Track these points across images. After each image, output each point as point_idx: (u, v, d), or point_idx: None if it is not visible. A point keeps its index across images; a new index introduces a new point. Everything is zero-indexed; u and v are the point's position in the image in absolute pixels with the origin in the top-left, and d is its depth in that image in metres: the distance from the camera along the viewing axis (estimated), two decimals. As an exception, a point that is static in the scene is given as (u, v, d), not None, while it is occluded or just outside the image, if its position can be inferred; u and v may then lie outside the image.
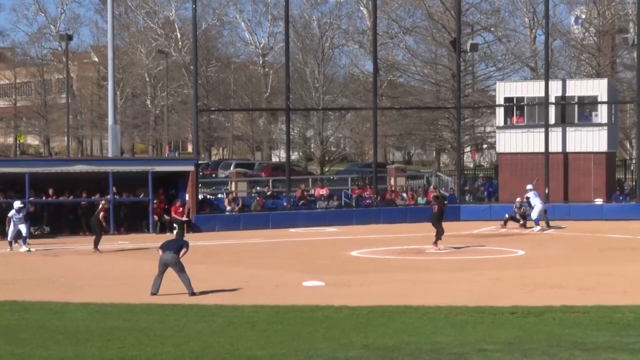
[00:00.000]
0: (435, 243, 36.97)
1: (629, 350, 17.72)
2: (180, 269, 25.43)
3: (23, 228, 37.55)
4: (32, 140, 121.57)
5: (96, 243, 37.63)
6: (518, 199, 46.04)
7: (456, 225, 46.03)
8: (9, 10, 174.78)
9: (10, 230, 37.86)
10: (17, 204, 37.98)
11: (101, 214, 38.81)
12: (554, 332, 20.30)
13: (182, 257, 25.61)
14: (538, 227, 43.94)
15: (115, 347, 19.25)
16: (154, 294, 25.46)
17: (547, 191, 50.49)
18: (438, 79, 73.65)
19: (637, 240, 40.68)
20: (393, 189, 55.92)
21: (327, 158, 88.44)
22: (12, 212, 37.71)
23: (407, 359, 17.73)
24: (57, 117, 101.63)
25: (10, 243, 37.75)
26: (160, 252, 25.80)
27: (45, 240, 41.50)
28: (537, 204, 44.54)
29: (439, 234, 36.88)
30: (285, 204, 50.87)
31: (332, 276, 29.24)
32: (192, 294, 25.33)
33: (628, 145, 77.69)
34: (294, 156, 79.81)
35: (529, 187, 46.07)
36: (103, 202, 40.76)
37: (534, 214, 44.29)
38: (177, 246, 25.65)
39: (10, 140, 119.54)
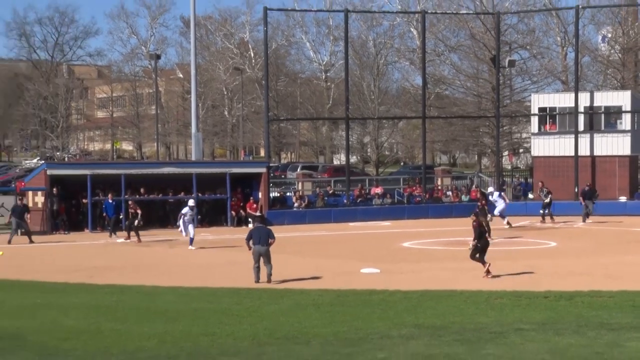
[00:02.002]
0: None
1: (649, 330, 17.64)
2: (268, 260, 25.44)
3: (191, 228, 35.70)
4: (127, 146, 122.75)
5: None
6: (538, 192, 46.34)
7: (495, 220, 45.81)
8: (106, 34, 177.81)
9: (183, 228, 35.80)
10: (191, 202, 36.64)
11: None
12: (582, 313, 20.18)
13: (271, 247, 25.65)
14: (505, 221, 42.78)
15: (200, 325, 19.44)
16: (257, 281, 25.41)
17: (576, 190, 50.22)
18: (479, 91, 73.50)
19: (657, 233, 40.32)
20: (440, 188, 55.88)
21: (381, 161, 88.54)
22: (185, 210, 35.91)
23: (453, 337, 17.72)
24: (148, 126, 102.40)
25: (191, 240, 35.70)
26: (250, 244, 25.62)
27: (139, 232, 41.93)
28: (500, 203, 43.43)
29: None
30: (345, 201, 50.99)
31: (387, 264, 29.29)
32: (268, 281, 25.34)
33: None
34: (353, 159, 79.82)
35: (490, 189, 46.46)
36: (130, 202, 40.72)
37: (496, 211, 43.14)
38: (266, 238, 25.55)
39: (108, 146, 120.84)
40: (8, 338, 18.30)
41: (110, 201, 41.83)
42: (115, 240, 38.74)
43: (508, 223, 41.67)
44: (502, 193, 44.15)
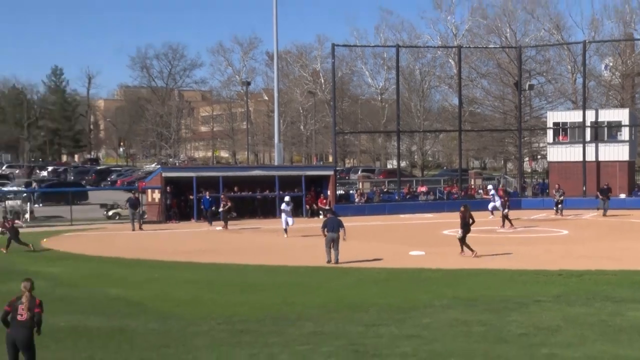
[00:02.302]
0: (503, 225, 36.75)
1: (645, 303, 17.36)
2: (337, 244, 25.19)
3: (290, 220, 34.30)
4: (224, 154, 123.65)
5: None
6: (554, 191, 45.70)
7: (518, 212, 45.36)
8: (208, 65, 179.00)
9: (283, 219, 34.43)
10: (287, 198, 35.37)
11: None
12: (590, 288, 19.90)
13: (343, 235, 25.39)
14: (492, 216, 41.58)
15: (281, 295, 19.53)
16: (328, 262, 25.08)
17: (584, 189, 49.64)
18: (505, 109, 72.98)
19: (651, 224, 39.59)
20: (472, 187, 55.54)
21: (425, 165, 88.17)
22: (283, 205, 34.70)
23: (484, 307, 17.59)
24: (240, 138, 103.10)
25: (285, 230, 34.20)
26: (325, 232, 25.35)
27: (233, 222, 42.20)
28: (496, 200, 42.54)
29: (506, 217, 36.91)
30: (396, 197, 50.77)
31: (430, 248, 29.13)
32: (336, 261, 25.04)
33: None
34: (403, 164, 79.37)
35: (490, 186, 46.11)
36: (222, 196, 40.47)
37: (490, 207, 42.29)
38: (337, 227, 25.28)
39: (209, 154, 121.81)
40: (133, 305, 18.59)
41: (207, 197, 42.08)
42: (215, 228, 39.03)
43: (492, 213, 41.16)
44: (497, 192, 43.61)
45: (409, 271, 23.46)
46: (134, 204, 39.56)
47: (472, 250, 26.45)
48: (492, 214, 41.35)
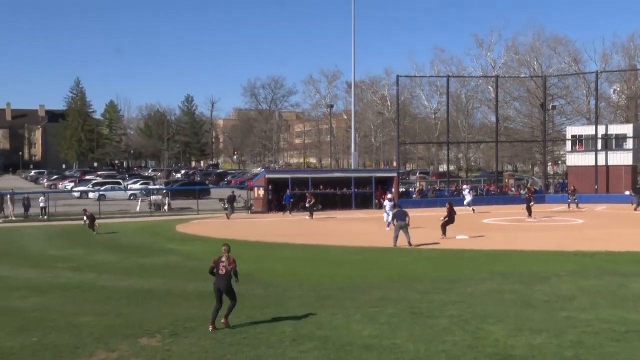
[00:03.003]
0: (530, 215, 35.92)
1: (646, 278, 16.74)
2: (406, 230, 24.53)
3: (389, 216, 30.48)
4: (312, 160, 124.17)
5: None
6: (569, 190, 44.43)
7: (544, 206, 44.31)
8: (301, 93, 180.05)
9: (385, 216, 31.87)
10: (390, 195, 33.21)
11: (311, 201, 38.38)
12: (602, 266, 19.31)
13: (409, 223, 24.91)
14: (471, 208, 40.48)
15: (356, 269, 19.53)
16: (395, 246, 24.32)
17: (596, 187, 48.22)
18: (532, 125, 71.35)
19: (651, 215, 38.09)
20: (507, 185, 54.33)
21: (469, 168, 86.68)
22: (385, 202, 32.46)
23: (515, 279, 17.26)
24: (325, 148, 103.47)
25: (389, 224, 30.23)
26: (395, 222, 24.85)
27: (319, 213, 42.37)
28: (468, 197, 41.51)
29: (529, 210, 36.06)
30: (446, 194, 49.96)
31: (473, 233, 28.66)
32: (410, 244, 24.28)
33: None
34: (451, 167, 78.32)
35: (465, 187, 44.98)
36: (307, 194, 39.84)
37: (465, 203, 41.03)
38: (404, 216, 24.70)
39: (301, 160, 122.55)
40: (243, 275, 18.73)
41: (289, 194, 41.87)
42: (291, 217, 39.03)
43: (473, 210, 40.07)
44: (471, 191, 42.50)
45: (455, 252, 23.16)
46: (232, 199, 40.16)
47: (445, 234, 26.58)
48: (472, 208, 40.24)
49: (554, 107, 64.01)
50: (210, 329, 12.35)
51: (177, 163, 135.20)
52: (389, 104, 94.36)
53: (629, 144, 49.27)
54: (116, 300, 15.56)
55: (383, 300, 14.84)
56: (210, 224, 36.93)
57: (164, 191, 50.84)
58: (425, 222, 34.93)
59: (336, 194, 45.93)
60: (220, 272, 12.42)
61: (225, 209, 45.81)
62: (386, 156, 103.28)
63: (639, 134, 51.07)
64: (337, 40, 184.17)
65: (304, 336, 11.82)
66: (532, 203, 36.42)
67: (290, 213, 40.51)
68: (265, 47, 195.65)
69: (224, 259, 12.46)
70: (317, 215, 39.39)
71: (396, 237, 24.72)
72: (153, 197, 47.62)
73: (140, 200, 48.95)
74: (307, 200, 39.29)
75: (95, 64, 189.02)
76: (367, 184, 45.95)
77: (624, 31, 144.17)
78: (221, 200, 47.52)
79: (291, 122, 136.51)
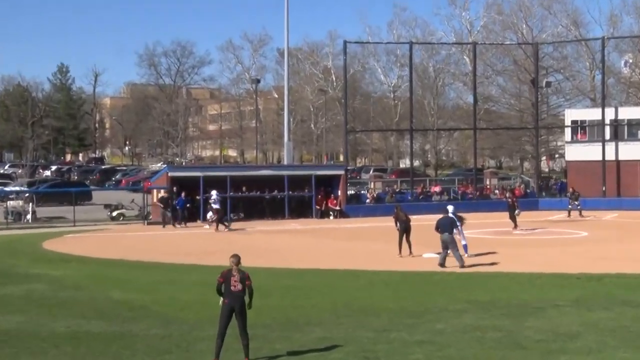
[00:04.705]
0: (515, 227, 36.33)
1: (668, 307, 17.07)
2: (453, 246, 24.22)
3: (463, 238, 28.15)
4: (232, 152, 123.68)
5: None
6: (569, 192, 45.51)
7: (537, 214, 45.14)
8: (217, 63, 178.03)
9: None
10: (450, 207, 31.81)
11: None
12: (610, 292, 19.65)
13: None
14: None
15: (289, 298, 19.34)
16: (440, 264, 24.06)
17: (604, 189, 49.38)
18: (521, 107, 72.70)
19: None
20: (488, 187, 55.27)
21: (439, 164, 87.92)
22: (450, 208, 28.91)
23: (500, 311, 17.38)
24: (249, 136, 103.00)
25: (465, 247, 27.62)
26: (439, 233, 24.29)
27: (241, 223, 42.04)
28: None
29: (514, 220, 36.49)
30: (409, 197, 50.44)
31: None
32: (462, 266, 23.93)
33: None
34: (416, 163, 79.15)
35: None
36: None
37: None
38: (450, 227, 24.31)
39: (217, 153, 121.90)
40: (136, 309, 18.43)
41: (182, 197, 41.66)
42: (177, 227, 39.50)
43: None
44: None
45: (422, 274, 23.23)
46: (165, 200, 41.22)
47: (402, 252, 26.89)
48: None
49: (548, 84, 65.33)
50: None
51: (46, 156, 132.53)
52: (334, 78, 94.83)
53: (645, 131, 50.62)
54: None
55: (325, 341, 14.71)
56: (90, 238, 36.22)
57: (27, 194, 49.61)
58: (381, 234, 35.01)
59: (264, 198, 45.72)
60: (233, 287, 13.25)
61: (113, 218, 44.98)
62: (330, 148, 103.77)
63: (657, 118, 52.40)
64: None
65: (217, 392, 11.58)
66: (518, 211, 36.77)
67: (179, 224, 40.41)
68: (169, 2, 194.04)
69: (234, 273, 13.31)
70: (238, 225, 39.03)
71: (444, 257, 24.26)
72: (11, 203, 46.42)
73: (-7, 207, 47.64)
74: (211, 206, 39.16)
75: None
76: (305, 184, 45.92)
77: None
78: (107, 206, 46.77)
79: (203, 102, 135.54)
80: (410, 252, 26.94)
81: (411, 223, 27.58)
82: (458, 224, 24.97)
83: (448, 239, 24.19)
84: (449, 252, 24.27)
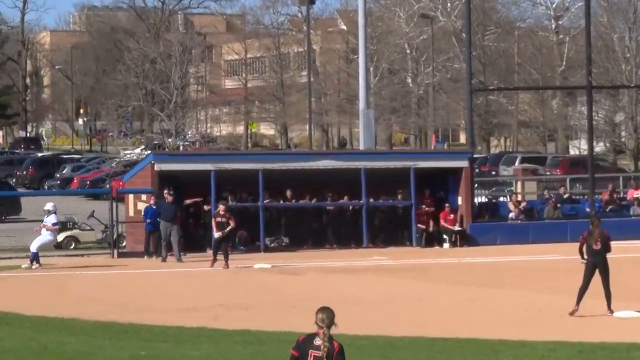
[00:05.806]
0: None
1: None
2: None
3: None
4: (266, 130, 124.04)
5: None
6: None
7: None
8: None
9: None
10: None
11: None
12: None
13: None
14: None
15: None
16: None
17: None
18: None
19: None
20: None
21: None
22: None
23: None
24: (296, 101, 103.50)
25: None
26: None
27: (284, 254, 42.03)
28: None
29: None
30: (588, 209, 49.93)
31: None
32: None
33: None
34: (599, 148, 78.65)
35: None
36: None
37: None
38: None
39: (240, 129, 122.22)
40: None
41: (153, 206, 42.30)
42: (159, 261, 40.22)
43: None
44: None
45: (611, 347, 23.14)
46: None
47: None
48: None
49: None
50: None
51: None
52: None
53: None
54: None
55: None
56: (18, 281, 36.70)
57: None
58: (541, 275, 34.81)
59: (323, 210, 45.70)
60: None
61: (57, 245, 45.40)
62: (442, 120, 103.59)
63: None
64: None
65: None
66: None
67: (163, 256, 41.30)
68: None
69: (317, 342, 13.27)
70: (279, 258, 39.24)
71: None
72: None
73: None
74: (217, 223, 39.14)
75: None
76: (397, 185, 45.84)
77: None
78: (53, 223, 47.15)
79: (216, 39, 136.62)
80: (609, 309, 27.02)
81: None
82: None
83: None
84: None
